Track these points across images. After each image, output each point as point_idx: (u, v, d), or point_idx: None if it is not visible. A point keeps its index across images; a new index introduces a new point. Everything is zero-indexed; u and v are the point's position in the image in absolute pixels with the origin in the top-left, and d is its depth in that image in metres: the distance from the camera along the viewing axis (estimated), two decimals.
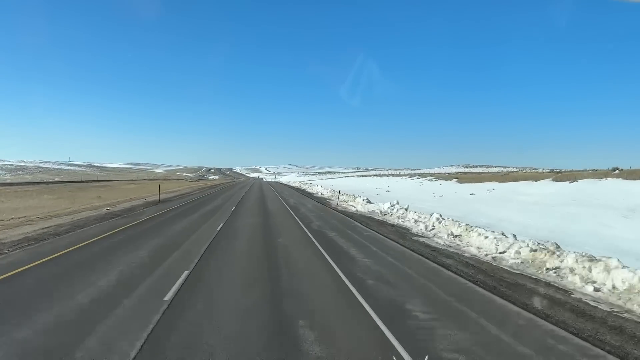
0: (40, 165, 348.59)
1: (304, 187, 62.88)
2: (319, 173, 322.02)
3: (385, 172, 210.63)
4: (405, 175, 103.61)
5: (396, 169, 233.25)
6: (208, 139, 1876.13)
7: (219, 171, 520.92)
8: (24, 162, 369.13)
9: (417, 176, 69.85)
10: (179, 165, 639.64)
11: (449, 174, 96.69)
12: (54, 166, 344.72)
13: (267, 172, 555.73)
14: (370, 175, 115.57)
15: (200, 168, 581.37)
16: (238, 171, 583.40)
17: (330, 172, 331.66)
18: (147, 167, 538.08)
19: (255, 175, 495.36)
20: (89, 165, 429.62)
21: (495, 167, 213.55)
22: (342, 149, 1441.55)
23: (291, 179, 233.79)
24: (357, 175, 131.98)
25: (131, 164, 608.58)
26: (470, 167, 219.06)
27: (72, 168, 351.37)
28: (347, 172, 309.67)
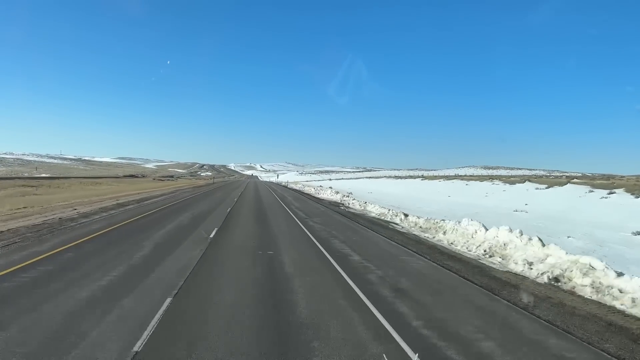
0: (21, 157, 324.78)
1: (356, 205, 31.47)
2: (321, 172, 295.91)
3: (396, 172, 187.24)
4: (437, 177, 79.28)
5: (408, 169, 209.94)
6: (203, 136, 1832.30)
7: (212, 168, 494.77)
8: (13, 154, 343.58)
9: (491, 179, 46.17)
10: (172, 161, 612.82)
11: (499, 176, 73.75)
12: (36, 159, 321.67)
13: (262, 169, 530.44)
14: (404, 177, 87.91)
15: (193, 164, 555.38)
16: (232, 168, 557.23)
17: (332, 171, 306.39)
18: (139, 162, 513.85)
19: (249, 172, 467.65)
20: (79, 159, 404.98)
21: (520, 169, 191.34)
22: (337, 148, 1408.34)
23: (292, 178, 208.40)
24: (385, 177, 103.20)
25: (123, 158, 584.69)
26: (490, 168, 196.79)
27: (55, 161, 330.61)
28: (350, 171, 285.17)
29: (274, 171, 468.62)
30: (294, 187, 73.52)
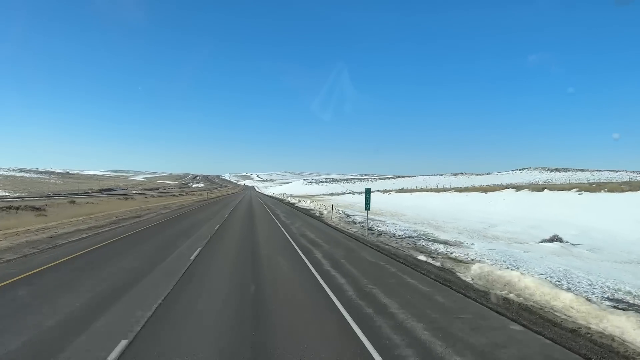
0: None
1: None
2: (334, 180, 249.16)
3: (439, 178, 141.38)
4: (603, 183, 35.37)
5: (453, 175, 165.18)
6: (198, 147, 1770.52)
7: (205, 178, 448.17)
8: None
9: None
10: (163, 172, 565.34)
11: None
12: (6, 172, 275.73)
13: (259, 179, 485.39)
14: (514, 188, 40.12)
15: (185, 175, 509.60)
16: (227, 178, 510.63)
17: (340, 180, 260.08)
18: (129, 174, 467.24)
19: (243, 182, 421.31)
20: (67, 173, 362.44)
21: (590, 170, 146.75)
22: (338, 155, 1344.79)
23: (300, 189, 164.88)
24: (455, 190, 57.98)
25: (112, 171, 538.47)
26: (558, 170, 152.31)
27: (27, 175, 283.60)
28: (350, 179, 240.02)
29: (272, 180, 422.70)
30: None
